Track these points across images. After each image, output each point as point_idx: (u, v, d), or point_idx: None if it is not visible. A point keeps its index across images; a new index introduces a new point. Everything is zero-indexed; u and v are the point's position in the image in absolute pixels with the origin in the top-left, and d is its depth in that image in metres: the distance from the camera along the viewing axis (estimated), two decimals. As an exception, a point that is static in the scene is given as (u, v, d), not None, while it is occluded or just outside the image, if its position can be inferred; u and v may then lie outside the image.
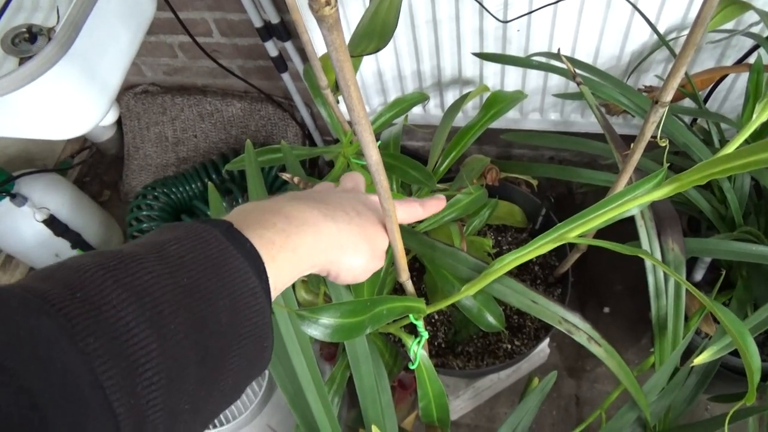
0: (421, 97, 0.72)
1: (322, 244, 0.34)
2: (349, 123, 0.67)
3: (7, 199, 1.11)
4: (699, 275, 0.85)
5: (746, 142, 0.43)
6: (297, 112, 1.29)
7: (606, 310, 1.17)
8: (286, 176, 0.54)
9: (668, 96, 0.45)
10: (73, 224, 1.20)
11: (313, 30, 0.68)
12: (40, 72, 0.65)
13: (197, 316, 0.25)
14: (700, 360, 0.52)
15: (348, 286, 0.54)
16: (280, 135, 1.31)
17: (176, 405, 0.23)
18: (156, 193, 1.25)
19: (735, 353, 0.82)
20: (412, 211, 0.42)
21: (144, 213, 1.22)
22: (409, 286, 0.46)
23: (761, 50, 0.73)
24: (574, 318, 0.48)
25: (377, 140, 0.71)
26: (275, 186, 1.23)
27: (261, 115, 1.30)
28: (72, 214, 1.20)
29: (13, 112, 0.72)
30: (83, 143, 1.47)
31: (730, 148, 0.39)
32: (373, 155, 0.29)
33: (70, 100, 0.74)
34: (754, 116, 0.38)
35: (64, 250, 1.21)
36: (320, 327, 0.36)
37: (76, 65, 0.71)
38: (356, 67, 0.74)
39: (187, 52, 1.23)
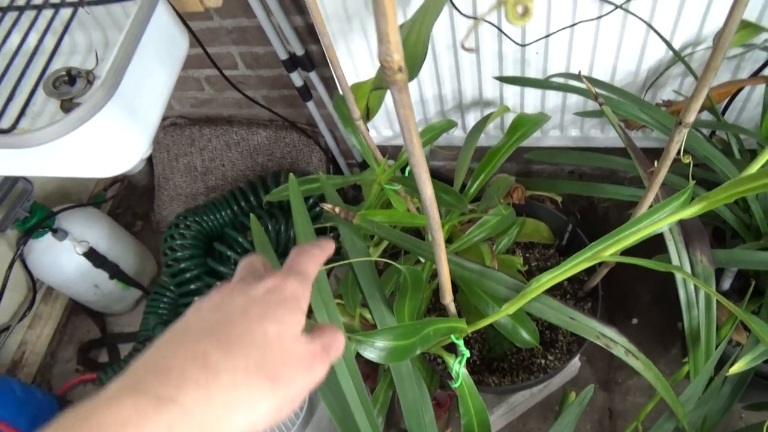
0: (449, 125, 0.75)
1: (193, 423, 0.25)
2: (381, 152, 0.70)
3: (49, 234, 1.16)
4: (727, 284, 0.86)
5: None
6: (321, 138, 1.33)
7: (634, 321, 1.18)
8: (327, 206, 0.57)
9: (691, 117, 0.48)
10: (111, 256, 1.25)
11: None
12: (89, 116, 0.70)
13: None
14: (735, 369, 0.53)
15: (390, 308, 0.57)
16: (305, 160, 1.34)
17: None
18: (188, 222, 1.29)
19: (768, 360, 0.83)
20: (313, 256, 0.35)
21: (177, 242, 1.26)
22: (452, 307, 0.48)
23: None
24: (611, 332, 0.50)
25: (407, 167, 0.74)
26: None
27: (286, 142, 1.34)
28: (110, 245, 1.25)
29: (60, 154, 0.76)
30: (115, 177, 1.52)
31: (753, 168, 0.41)
32: (428, 191, 0.32)
33: (114, 140, 0.78)
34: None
35: (102, 281, 1.25)
36: (376, 350, 0.39)
37: (120, 106, 0.75)
38: (382, 97, 0.78)
39: (214, 84, 1.28)
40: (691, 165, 0.52)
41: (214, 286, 1.22)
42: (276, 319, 0.29)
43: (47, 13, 0.80)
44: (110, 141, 0.77)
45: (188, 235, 1.28)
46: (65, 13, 0.79)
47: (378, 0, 0.20)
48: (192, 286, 1.24)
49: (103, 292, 1.28)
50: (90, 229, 1.23)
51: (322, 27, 0.54)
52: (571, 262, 0.46)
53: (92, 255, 1.21)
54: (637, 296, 1.20)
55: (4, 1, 0.83)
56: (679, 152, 0.53)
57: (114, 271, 1.26)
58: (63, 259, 1.19)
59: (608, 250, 0.44)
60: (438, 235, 0.36)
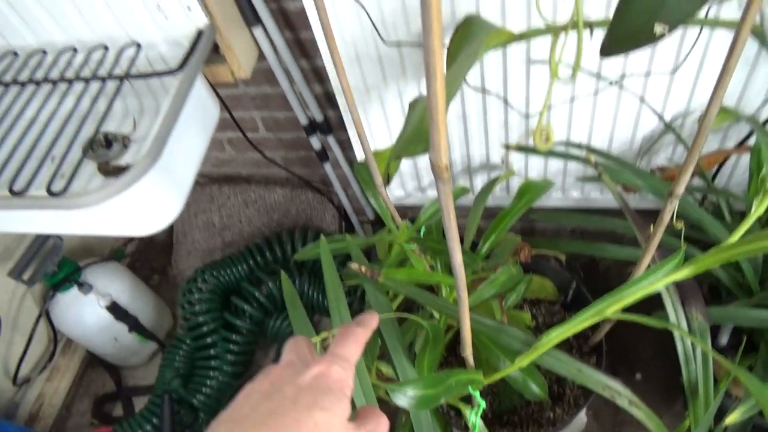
0: (462, 192, 0.82)
1: None
2: (400, 213, 0.76)
3: (75, 287, 1.21)
4: (724, 339, 0.91)
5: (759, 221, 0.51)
6: (334, 196, 1.39)
7: (638, 376, 1.21)
8: (354, 266, 0.62)
9: (680, 189, 0.54)
10: (131, 309, 1.29)
11: (368, 128, 0.78)
12: (134, 180, 0.76)
13: None
14: (731, 420, 0.57)
15: (411, 360, 0.61)
16: (319, 218, 1.41)
17: None
18: (205, 276, 1.34)
19: (767, 414, 0.86)
20: (357, 338, 0.37)
21: (195, 296, 1.31)
22: (471, 359, 0.53)
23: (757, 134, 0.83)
24: (616, 384, 0.55)
25: (422, 229, 0.80)
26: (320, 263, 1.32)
27: (301, 200, 1.41)
28: (130, 299, 1.30)
29: (104, 215, 0.83)
30: (135, 231, 1.59)
31: (735, 236, 0.47)
32: (458, 258, 0.38)
33: (154, 201, 0.85)
34: (753, 209, 0.46)
35: (122, 333, 1.29)
36: (407, 398, 0.44)
37: (161, 171, 0.82)
38: (399, 164, 0.85)
39: (235, 145, 1.36)
40: (684, 229, 0.58)
41: (228, 339, 1.25)
42: (324, 407, 0.31)
43: (93, 84, 0.87)
44: (150, 202, 0.84)
45: (205, 289, 1.33)
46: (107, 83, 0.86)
47: (433, 118, 0.27)
48: (208, 340, 1.28)
49: (122, 344, 1.32)
50: (113, 283, 1.28)
51: (353, 107, 0.61)
52: (577, 319, 0.51)
53: (114, 308, 1.25)
54: (639, 352, 1.23)
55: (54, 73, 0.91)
56: (672, 218, 0.59)
57: (133, 324, 1.30)
58: (87, 312, 1.23)
59: (610, 308, 0.49)
60: (464, 294, 0.42)
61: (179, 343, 1.32)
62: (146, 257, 1.61)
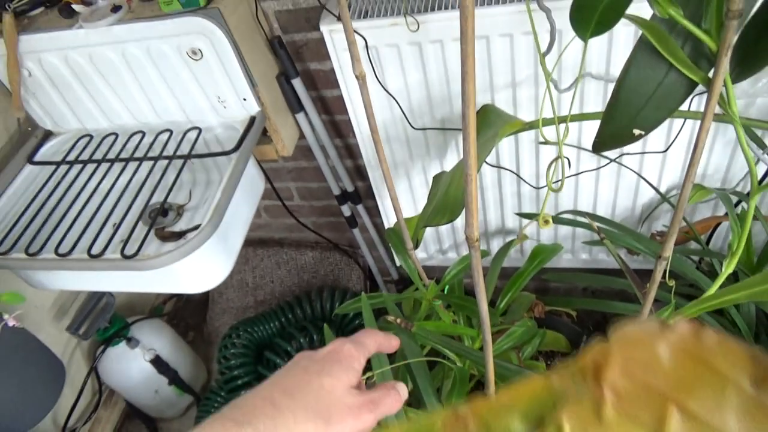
0: (483, 254, 0.93)
1: None
2: (427, 270, 0.87)
3: (124, 342, 1.31)
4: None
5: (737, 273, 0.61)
6: (360, 258, 1.51)
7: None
8: (391, 318, 0.73)
9: (668, 252, 0.65)
10: (171, 363, 1.39)
11: (386, 201, 0.89)
12: (197, 246, 0.88)
13: None
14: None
15: (440, 400, 0.71)
16: (346, 278, 1.52)
17: None
18: (240, 332, 1.44)
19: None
20: (376, 335, 0.44)
21: (231, 351, 1.41)
22: (495, 397, 0.63)
23: (743, 204, 0.94)
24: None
25: (445, 288, 0.91)
26: (345, 321, 1.42)
27: (329, 262, 1.52)
28: (171, 353, 1.40)
29: (168, 275, 0.94)
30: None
31: (711, 291, 0.58)
32: (484, 308, 0.49)
33: (209, 264, 0.97)
34: (724, 269, 0.57)
35: (162, 386, 1.38)
36: None
37: (218, 237, 0.94)
38: (424, 231, 0.96)
39: (270, 212, 1.49)
40: (674, 286, 0.68)
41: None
42: (331, 374, 0.38)
43: (159, 163, 1.01)
44: (207, 264, 0.96)
45: (240, 344, 1.42)
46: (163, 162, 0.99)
47: (468, 204, 0.39)
48: (243, 392, 1.36)
49: (161, 396, 1.40)
50: (156, 339, 1.38)
51: (389, 180, 0.73)
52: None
53: (157, 362, 1.35)
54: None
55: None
56: (664, 276, 0.70)
57: (173, 377, 1.39)
58: (132, 365, 1.33)
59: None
60: (488, 337, 0.52)
61: (215, 396, 1.40)
62: (182, 315, 1.71)
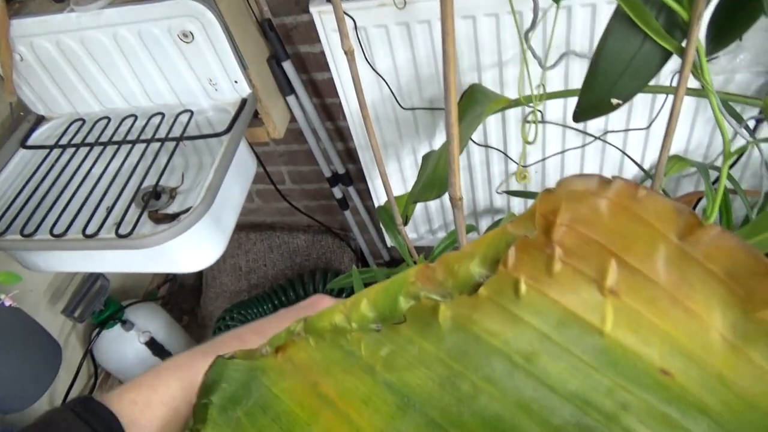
0: (470, 228, 0.95)
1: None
2: (417, 250, 0.89)
3: (119, 325, 1.33)
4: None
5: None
6: (352, 241, 1.53)
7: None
8: (381, 290, 0.75)
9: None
10: (167, 346, 1.41)
11: (376, 180, 0.91)
12: (191, 225, 0.90)
13: None
14: None
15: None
16: (338, 260, 1.54)
17: None
18: (233, 315, 1.46)
19: None
20: None
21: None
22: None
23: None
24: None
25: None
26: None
27: (322, 245, 1.54)
28: (166, 336, 1.41)
29: (161, 254, 0.96)
30: (167, 276, 1.72)
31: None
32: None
33: (202, 243, 0.98)
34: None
35: (158, 368, 1.40)
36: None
37: (211, 217, 0.95)
38: (414, 208, 0.98)
39: (263, 196, 1.50)
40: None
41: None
42: (297, 316, 0.38)
43: (152, 145, 1.02)
44: (200, 244, 0.97)
45: (233, 326, 1.44)
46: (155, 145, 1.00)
47: (450, 163, 0.41)
48: (238, 373, 1.39)
49: (157, 379, 1.42)
50: (151, 321, 1.40)
51: (379, 159, 0.75)
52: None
53: (152, 344, 1.37)
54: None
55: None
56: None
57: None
58: (127, 348, 1.35)
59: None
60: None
61: (210, 378, 1.42)
62: (176, 300, 1.73)
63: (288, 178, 1.41)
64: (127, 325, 1.34)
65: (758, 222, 0.49)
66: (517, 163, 1.09)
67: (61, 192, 0.98)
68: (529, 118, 0.60)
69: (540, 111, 0.77)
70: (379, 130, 1.08)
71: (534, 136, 0.62)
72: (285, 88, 1.07)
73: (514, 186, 1.14)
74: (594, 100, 0.53)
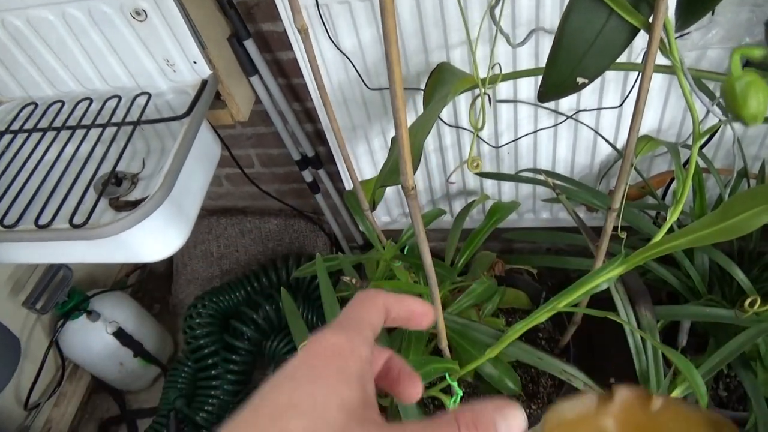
0: (440, 213, 0.93)
1: None
2: (388, 238, 0.87)
3: (84, 316, 1.29)
4: (683, 340, 1.02)
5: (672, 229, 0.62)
6: (325, 225, 1.50)
7: (612, 380, 1.31)
8: (346, 279, 0.73)
9: (616, 204, 0.65)
10: (136, 335, 1.37)
11: (355, 161, 0.89)
12: (149, 212, 0.86)
13: None
14: (674, 396, 0.68)
15: (399, 347, 0.71)
16: (311, 245, 1.51)
17: None
18: (205, 302, 1.42)
19: (724, 405, 0.97)
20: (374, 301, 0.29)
21: (196, 320, 1.39)
22: (447, 351, 0.63)
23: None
24: (572, 369, 0.65)
25: (405, 248, 0.91)
26: (312, 287, 1.42)
27: (294, 229, 1.51)
28: (135, 326, 1.38)
29: (120, 244, 0.92)
30: (136, 264, 1.67)
31: (655, 239, 0.58)
32: (428, 259, 0.48)
33: (163, 231, 0.94)
34: (669, 217, 0.57)
35: (127, 358, 1.37)
36: (395, 378, 0.53)
37: (171, 204, 0.91)
38: (383, 192, 0.96)
39: (232, 181, 1.46)
40: (625, 238, 0.69)
41: (229, 359, 1.34)
42: (315, 384, 0.23)
43: (108, 130, 0.97)
44: (161, 232, 0.93)
45: (205, 314, 1.41)
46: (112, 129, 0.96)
47: (401, 153, 0.38)
48: (209, 361, 1.36)
49: (127, 369, 1.39)
50: (118, 311, 1.36)
51: (342, 143, 0.72)
52: (536, 313, 0.61)
53: (120, 334, 1.33)
54: (613, 357, 1.34)
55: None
56: (615, 229, 0.71)
57: (138, 350, 1.38)
58: (94, 339, 1.31)
59: (562, 302, 0.60)
60: (435, 289, 0.52)
61: (181, 366, 1.40)
62: (147, 288, 1.69)
63: (257, 161, 1.37)
64: (93, 315, 1.30)
65: (728, 206, 0.47)
66: (490, 145, 1.06)
67: (13, 180, 0.94)
68: (478, 102, 0.57)
69: (488, 95, 0.75)
70: (347, 112, 1.04)
71: (482, 121, 0.59)
72: (248, 68, 1.03)
73: (487, 167, 1.12)
74: (558, 79, 0.50)
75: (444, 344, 0.61)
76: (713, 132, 0.96)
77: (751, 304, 0.73)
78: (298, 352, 0.26)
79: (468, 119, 1.03)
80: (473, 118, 0.53)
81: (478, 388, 0.99)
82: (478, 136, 0.98)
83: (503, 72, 0.77)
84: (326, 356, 0.25)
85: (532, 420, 0.95)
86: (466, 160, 0.49)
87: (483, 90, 0.54)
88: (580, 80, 0.51)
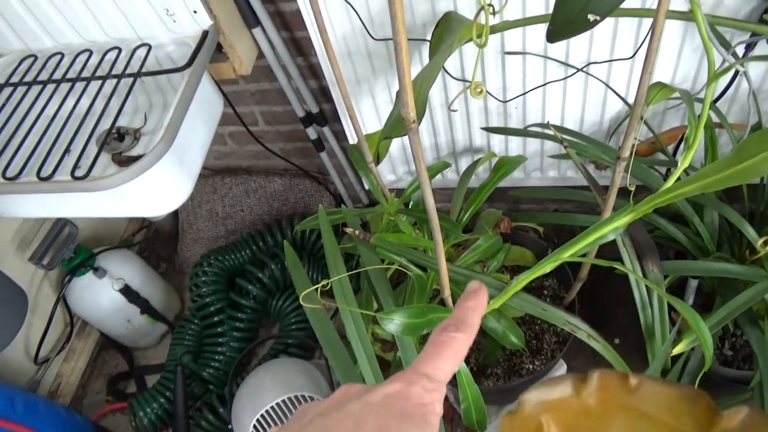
0: (444, 165, 0.91)
1: None
2: (390, 190, 0.85)
3: (91, 272, 1.30)
4: (690, 299, 1.01)
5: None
6: (330, 184, 1.49)
7: (616, 341, 1.31)
8: (349, 230, 0.72)
9: (626, 153, 0.63)
10: (142, 292, 1.38)
11: (360, 116, 0.87)
12: (150, 165, 0.85)
13: None
14: (678, 349, 0.67)
15: (402, 299, 0.71)
16: (316, 205, 1.50)
17: None
18: (211, 261, 1.43)
19: (729, 364, 0.96)
20: (453, 348, 0.28)
21: (202, 279, 1.40)
22: (450, 300, 0.63)
23: (711, 111, 0.92)
24: (576, 320, 0.64)
25: (410, 203, 0.90)
26: (317, 246, 1.42)
27: (299, 189, 1.50)
28: (141, 283, 1.39)
29: (123, 197, 0.92)
30: (142, 223, 1.68)
31: (665, 187, 0.57)
32: (430, 202, 0.47)
33: (165, 185, 0.94)
34: (679, 164, 0.56)
35: (134, 315, 1.38)
36: (395, 324, 0.53)
37: (173, 157, 0.91)
38: (388, 146, 0.94)
39: (236, 139, 1.45)
40: (634, 191, 0.67)
41: (234, 317, 1.35)
42: None
43: (108, 82, 0.96)
44: (163, 185, 0.93)
45: (211, 272, 1.42)
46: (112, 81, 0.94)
47: (400, 78, 0.36)
48: (215, 318, 1.37)
49: (134, 326, 1.41)
50: (125, 268, 1.37)
51: (345, 95, 0.70)
52: (541, 264, 0.60)
53: (127, 291, 1.34)
54: (618, 318, 1.33)
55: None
56: (626, 181, 0.69)
57: (144, 307, 1.39)
58: (101, 296, 1.32)
59: (566, 252, 0.59)
60: (438, 235, 0.51)
61: (188, 323, 1.41)
62: (153, 247, 1.70)
63: (261, 119, 1.36)
64: (99, 272, 1.30)
65: (742, 147, 0.46)
66: (497, 99, 1.04)
67: (13, 133, 0.93)
68: (482, 14, 0.54)
69: (492, 5, 0.72)
70: (351, 64, 1.02)
71: (485, 39, 0.56)
72: (250, 19, 1.00)
73: (494, 122, 1.09)
74: (569, 16, 0.48)
75: (447, 293, 0.60)
76: (729, 78, 0.93)
77: (765, 244, 0.72)
78: None
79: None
80: (474, 37, 0.50)
81: (480, 344, 1.00)
82: (481, 84, 0.95)
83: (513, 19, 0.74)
84: None
85: (537, 375, 0.95)
86: (469, 84, 0.47)
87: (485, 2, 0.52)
88: (591, 17, 0.49)
